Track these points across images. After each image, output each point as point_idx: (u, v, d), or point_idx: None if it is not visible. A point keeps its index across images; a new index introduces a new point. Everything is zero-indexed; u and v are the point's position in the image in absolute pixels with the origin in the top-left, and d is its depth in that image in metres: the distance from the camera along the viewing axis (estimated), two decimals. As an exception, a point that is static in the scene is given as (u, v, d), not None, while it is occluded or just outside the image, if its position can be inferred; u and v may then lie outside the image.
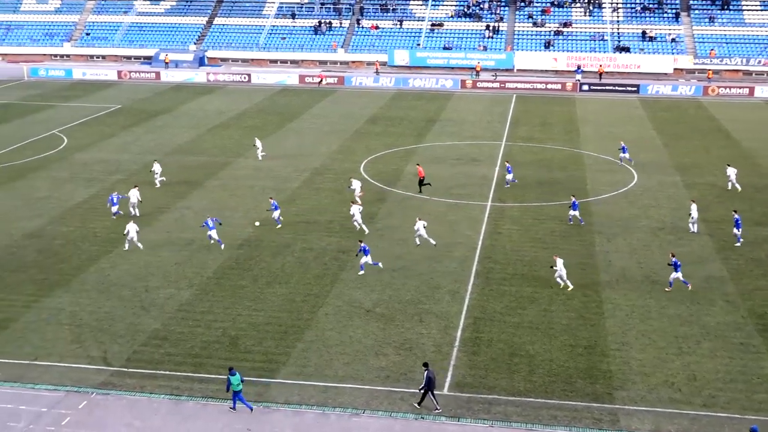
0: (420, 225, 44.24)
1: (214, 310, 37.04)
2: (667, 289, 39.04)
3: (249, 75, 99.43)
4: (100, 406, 29.68)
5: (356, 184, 52.60)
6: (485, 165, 61.03)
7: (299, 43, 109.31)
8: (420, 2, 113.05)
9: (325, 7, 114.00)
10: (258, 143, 63.37)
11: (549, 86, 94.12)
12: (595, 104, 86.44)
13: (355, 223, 46.78)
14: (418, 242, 44.45)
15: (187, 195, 53.49)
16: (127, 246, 44.07)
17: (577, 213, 48.12)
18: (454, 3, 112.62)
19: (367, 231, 46.38)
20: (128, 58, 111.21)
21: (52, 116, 78.85)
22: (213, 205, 50.95)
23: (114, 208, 48.99)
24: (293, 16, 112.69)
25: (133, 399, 30.10)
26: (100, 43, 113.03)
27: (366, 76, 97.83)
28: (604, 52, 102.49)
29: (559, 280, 39.24)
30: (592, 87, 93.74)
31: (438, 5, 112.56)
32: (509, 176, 55.56)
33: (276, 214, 47.26)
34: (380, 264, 41.17)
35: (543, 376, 31.58)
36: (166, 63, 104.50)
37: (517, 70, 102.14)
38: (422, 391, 29.39)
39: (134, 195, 49.30)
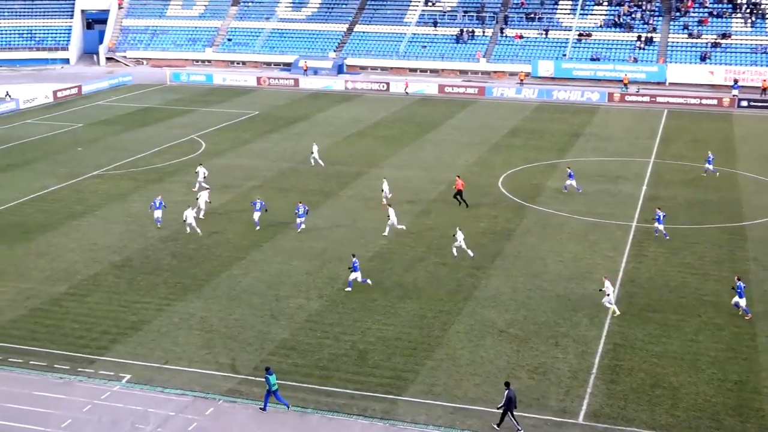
0: (460, 236, 43.15)
1: (344, 323, 36.48)
2: (747, 317, 36.61)
3: (387, 83, 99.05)
4: (227, 414, 29.63)
5: (386, 186, 52.31)
6: (631, 183, 58.31)
7: (440, 52, 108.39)
8: (568, 11, 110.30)
9: (468, 16, 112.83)
10: (315, 149, 62.92)
11: (703, 101, 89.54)
12: (754, 121, 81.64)
13: (388, 227, 46.68)
14: (456, 253, 43.36)
15: (320, 204, 53.11)
16: (188, 229, 46.42)
17: (662, 227, 45.96)
18: (604, 12, 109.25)
19: (403, 227, 46.62)
20: (268, 64, 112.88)
21: (192, 121, 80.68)
22: (347, 214, 50.55)
23: (156, 213, 48.43)
24: (435, 24, 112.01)
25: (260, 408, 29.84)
26: (241, 49, 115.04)
27: (507, 87, 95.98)
28: (767, 65, 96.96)
29: (607, 304, 37.24)
30: (752, 103, 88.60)
31: (587, 14, 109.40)
32: (571, 182, 54.71)
33: (299, 220, 47.54)
34: (369, 281, 39.69)
35: (687, 410, 29.69)
36: (305, 70, 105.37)
37: (670, 83, 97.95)
38: (501, 411, 28.50)
39: (203, 198, 50.27)
